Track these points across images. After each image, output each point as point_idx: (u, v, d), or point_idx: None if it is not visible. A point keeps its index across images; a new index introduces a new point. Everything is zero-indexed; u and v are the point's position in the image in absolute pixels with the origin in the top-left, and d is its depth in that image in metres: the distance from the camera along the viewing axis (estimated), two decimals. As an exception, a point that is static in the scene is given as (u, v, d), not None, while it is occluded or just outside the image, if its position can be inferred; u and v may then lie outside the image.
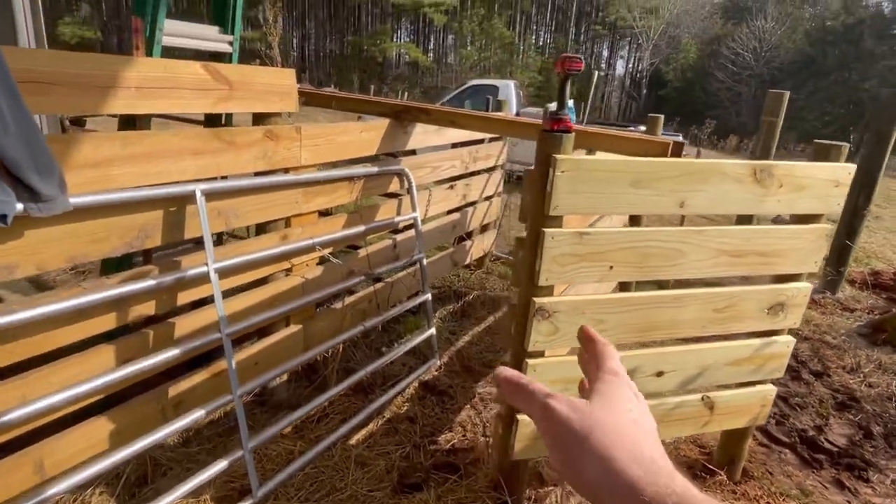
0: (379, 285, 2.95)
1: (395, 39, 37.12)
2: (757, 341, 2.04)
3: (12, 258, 1.46)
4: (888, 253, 6.52)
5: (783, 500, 2.28)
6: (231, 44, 2.14)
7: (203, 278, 1.85)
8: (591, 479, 0.38)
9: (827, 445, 2.73)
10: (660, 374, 1.94)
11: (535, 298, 1.67)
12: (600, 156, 2.31)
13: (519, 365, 1.78)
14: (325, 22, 40.53)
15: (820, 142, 1.91)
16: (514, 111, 8.50)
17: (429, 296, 3.05)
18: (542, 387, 0.45)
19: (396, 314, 2.87)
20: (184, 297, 1.94)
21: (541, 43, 42.71)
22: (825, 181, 1.84)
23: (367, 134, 2.65)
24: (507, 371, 0.48)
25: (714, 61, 28.39)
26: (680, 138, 7.94)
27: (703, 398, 2.06)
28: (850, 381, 3.33)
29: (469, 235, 4.02)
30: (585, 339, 0.51)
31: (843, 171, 1.85)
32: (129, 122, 1.78)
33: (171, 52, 1.94)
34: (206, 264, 1.83)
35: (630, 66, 42.44)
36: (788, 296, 1.99)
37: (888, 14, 25.02)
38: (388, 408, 2.64)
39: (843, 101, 25.12)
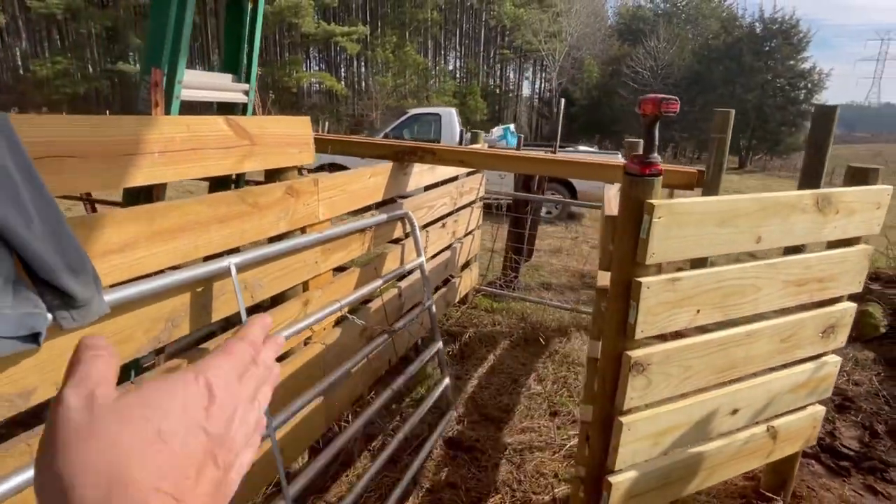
0: (389, 339, 2.73)
1: (307, 69, 36.61)
2: (811, 364, 2.04)
3: (29, 381, 1.14)
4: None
5: (836, 517, 2.30)
6: (246, 93, 1.89)
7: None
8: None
9: (845, 451, 2.82)
10: (735, 412, 1.88)
11: (628, 352, 1.56)
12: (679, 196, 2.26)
13: (609, 424, 1.65)
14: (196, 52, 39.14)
15: (855, 165, 1.97)
16: (458, 140, 8.50)
17: (440, 344, 2.86)
18: (91, 370, 0.31)
19: (416, 370, 2.65)
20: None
21: (451, 68, 43.82)
22: (870, 204, 1.88)
23: (374, 179, 2.45)
24: (85, 341, 0.33)
25: (616, 80, 30.34)
26: (619, 156, 8.29)
27: (768, 429, 2.03)
28: (840, 383, 3.49)
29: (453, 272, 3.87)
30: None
31: (884, 194, 1.91)
32: (142, 193, 1.49)
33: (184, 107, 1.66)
34: (247, 350, 1.55)
35: (539, 86, 44.48)
36: (838, 317, 2.01)
37: (760, 33, 27.99)
38: (422, 475, 2.41)
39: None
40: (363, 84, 37.54)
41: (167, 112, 1.52)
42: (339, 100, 36.30)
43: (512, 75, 46.37)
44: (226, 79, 1.84)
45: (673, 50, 29.10)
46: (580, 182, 7.41)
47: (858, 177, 1.96)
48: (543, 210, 8.15)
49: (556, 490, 2.29)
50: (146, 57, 1.49)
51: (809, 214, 1.74)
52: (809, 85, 27.27)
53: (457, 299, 3.99)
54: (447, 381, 2.86)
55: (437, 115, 8.79)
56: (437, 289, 3.67)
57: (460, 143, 7.96)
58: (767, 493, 2.28)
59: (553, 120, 36.06)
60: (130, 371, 1.65)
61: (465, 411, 2.97)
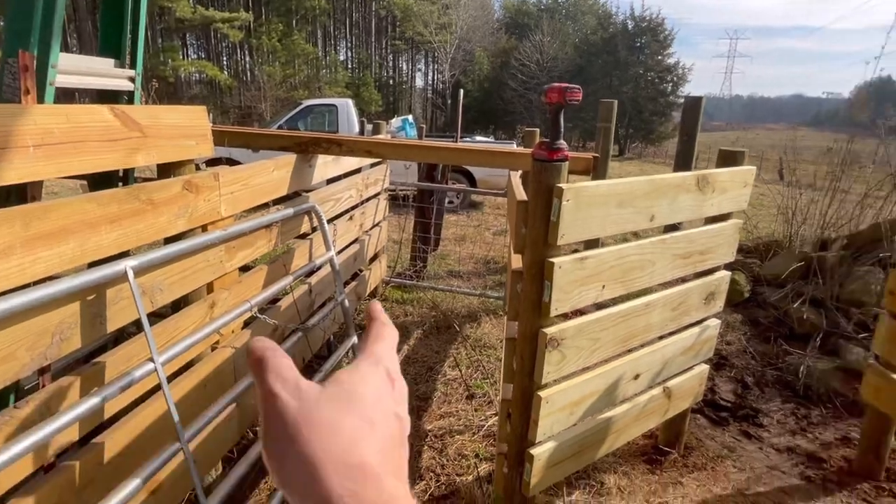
0: (303, 337, 2.64)
1: (184, 57, 33.94)
2: (697, 329, 2.28)
3: None
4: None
5: (721, 461, 2.59)
6: (132, 79, 1.70)
7: (148, 379, 1.45)
8: (297, 486, 0.31)
9: (724, 403, 3.18)
10: (637, 377, 2.05)
11: (544, 329, 1.64)
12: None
13: (529, 400, 1.73)
14: (92, 36, 35.32)
15: (725, 149, 2.20)
16: (357, 130, 8.34)
17: (355, 338, 2.82)
18: (281, 365, 0.35)
19: (332, 367, 2.59)
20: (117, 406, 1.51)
21: (343, 58, 42.85)
22: (739, 183, 2.13)
23: (278, 172, 2.35)
24: (258, 343, 0.36)
25: (506, 72, 31.39)
26: (514, 144, 8.60)
27: (664, 390, 2.23)
28: (716, 344, 3.91)
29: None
30: (369, 318, 0.43)
31: (749, 174, 2.16)
32: (12, 193, 1.30)
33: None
34: (152, 360, 1.44)
35: (431, 77, 44.81)
36: (717, 285, 2.26)
37: (632, 30, 30.31)
38: (346, 472, 2.37)
39: (611, 103, 29.66)
40: (249, 74, 35.58)
41: (40, 100, 1.34)
42: (224, 91, 34.12)
43: (405, 66, 46.33)
44: (107, 63, 1.65)
45: (556, 44, 30.64)
46: (478, 171, 7.61)
47: (728, 159, 2.20)
48: (446, 200, 8.27)
49: (479, 469, 2.36)
50: (9, 37, 1.29)
51: (692, 193, 1.93)
52: (675, 78, 30.02)
53: (367, 292, 3.94)
54: (364, 374, 2.83)
55: (332, 106, 8.56)
56: (346, 283, 3.61)
57: (361, 134, 7.83)
58: (664, 448, 2.52)
59: (448, 111, 36.59)
60: (10, 396, 1.46)
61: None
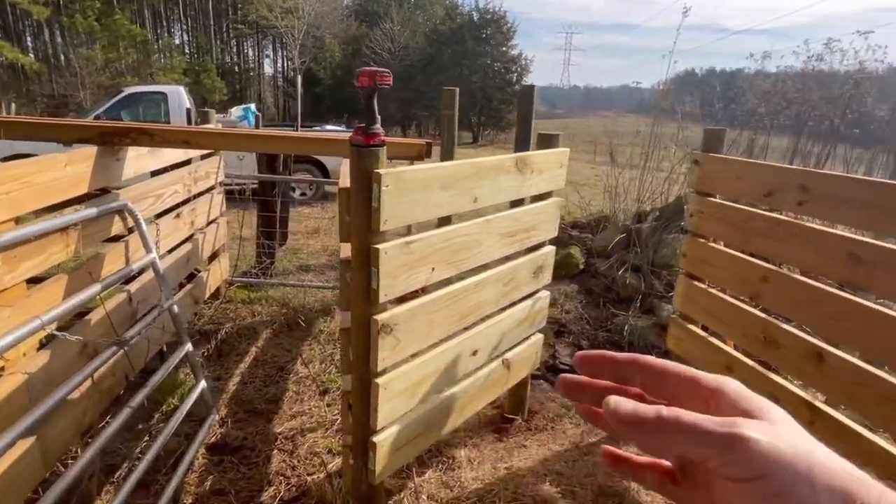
0: (121, 353, 2.36)
1: (-29, 36, 28.46)
2: (529, 301, 2.44)
3: None
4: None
5: (560, 420, 2.82)
6: None
7: None
8: None
9: (563, 367, 3.47)
10: (475, 352, 2.14)
11: (375, 317, 1.63)
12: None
13: (368, 388, 1.72)
14: None
15: (543, 132, 2.37)
16: (187, 120, 7.60)
17: (189, 346, 2.60)
18: (695, 417, 0.33)
19: (162, 380, 2.35)
20: None
21: (179, 42, 39.05)
22: (554, 164, 2.30)
23: (74, 167, 2.05)
24: (623, 405, 0.36)
25: (358, 60, 30.91)
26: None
27: (503, 362, 2.37)
28: (556, 313, 4.26)
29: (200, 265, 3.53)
30: (605, 362, 0.41)
31: (563, 155, 2.35)
32: None
33: None
34: None
35: (281, 65, 42.65)
36: (543, 259, 2.43)
37: (478, 21, 31.53)
38: (185, 491, 2.19)
39: (463, 92, 30.67)
40: (63, 58, 30.92)
41: None
42: (31, 77, 29.28)
43: (251, 52, 43.53)
44: None
45: (407, 33, 30.85)
46: (330, 161, 7.41)
47: (545, 142, 2.37)
48: (298, 192, 7.95)
49: (329, 466, 2.31)
50: None
51: (512, 174, 2.05)
52: (519, 69, 31.88)
53: (207, 295, 3.66)
54: (203, 384, 2.63)
55: (161, 93, 7.71)
56: (181, 286, 3.30)
57: (189, 123, 7.18)
58: (510, 416, 2.68)
59: (297, 101, 35.16)
60: None
61: (229, 411, 2.78)
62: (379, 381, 1.70)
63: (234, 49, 40.76)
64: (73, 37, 29.17)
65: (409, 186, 1.60)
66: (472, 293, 2.02)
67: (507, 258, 2.22)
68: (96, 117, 7.19)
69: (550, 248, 2.47)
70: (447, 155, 5.35)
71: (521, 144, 5.79)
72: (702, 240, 2.58)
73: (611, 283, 4.65)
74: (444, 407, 2.06)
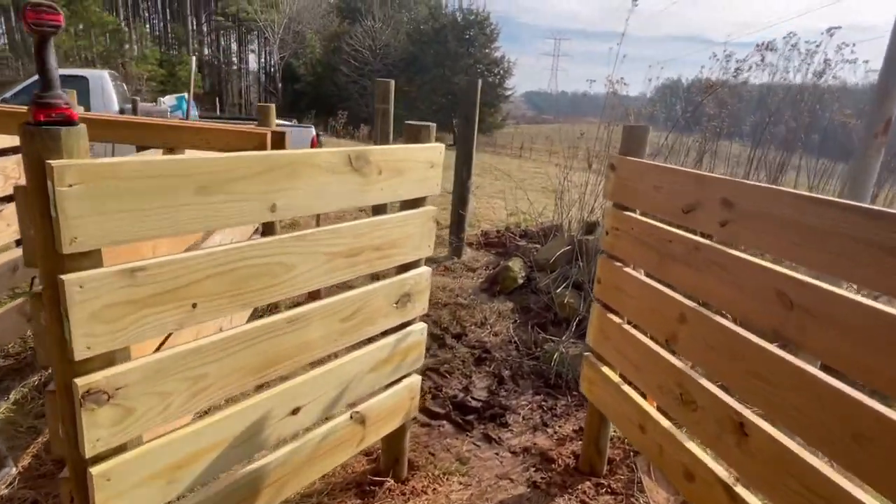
0: None
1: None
2: (392, 338, 1.92)
3: None
4: (491, 215, 7.92)
5: (447, 479, 2.31)
6: None
7: None
8: None
9: (474, 404, 2.95)
10: (296, 411, 1.61)
11: (76, 380, 1.10)
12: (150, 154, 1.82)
13: (83, 481, 1.18)
14: None
15: (411, 123, 1.85)
16: (116, 108, 6.99)
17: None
18: None
19: None
20: None
21: (157, 32, 38.09)
22: (421, 163, 1.78)
23: None
24: None
25: (338, 57, 30.33)
26: (313, 129, 7.96)
27: (352, 416, 1.84)
28: (483, 335, 3.75)
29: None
30: None
31: (435, 152, 1.83)
32: None
33: None
34: None
35: (262, 60, 41.83)
36: (412, 284, 1.91)
37: (461, 22, 31.08)
38: None
39: (444, 92, 30.27)
40: (29, 43, 29.87)
41: None
42: (-2, 62, 28.29)
43: (235, 47, 42.67)
44: None
45: (389, 31, 30.32)
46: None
47: (412, 134, 1.85)
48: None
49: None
50: None
51: (343, 175, 1.53)
52: (502, 71, 31.51)
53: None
54: (-10, 430, 2.07)
55: (82, 78, 7.05)
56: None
57: (120, 112, 6.58)
58: (375, 479, 2.15)
59: (279, 95, 34.41)
60: None
61: (34, 463, 2.22)
62: (94, 470, 1.16)
63: (215, 42, 39.97)
64: (41, 22, 28.18)
65: (122, 188, 1.07)
66: (285, 333, 1.50)
67: (348, 285, 1.70)
68: (3, 101, 6.54)
69: (424, 270, 1.96)
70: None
71: (464, 143, 5.29)
72: (618, 263, 2.08)
73: (550, 302, 4.15)
74: (244, 486, 1.53)
